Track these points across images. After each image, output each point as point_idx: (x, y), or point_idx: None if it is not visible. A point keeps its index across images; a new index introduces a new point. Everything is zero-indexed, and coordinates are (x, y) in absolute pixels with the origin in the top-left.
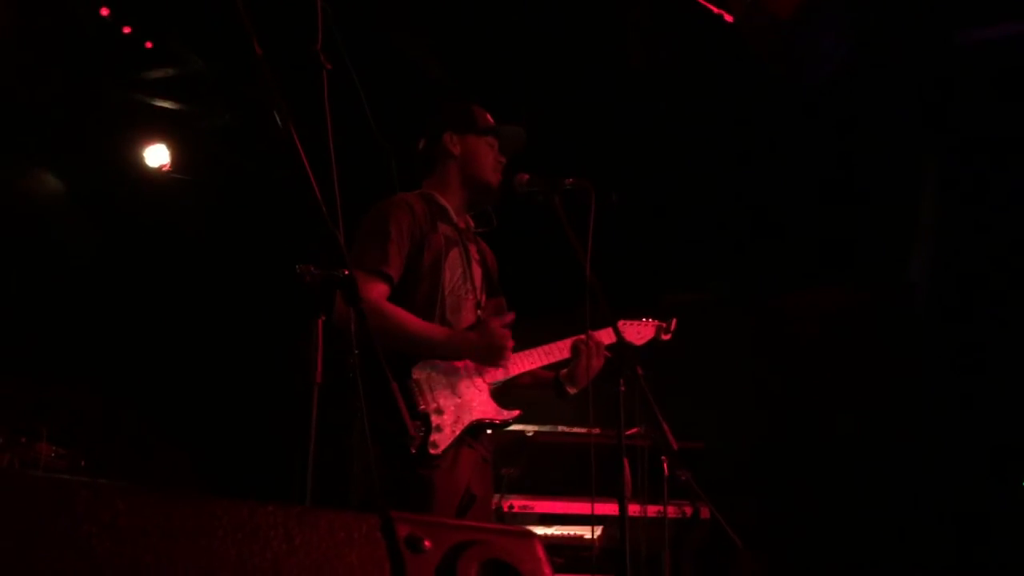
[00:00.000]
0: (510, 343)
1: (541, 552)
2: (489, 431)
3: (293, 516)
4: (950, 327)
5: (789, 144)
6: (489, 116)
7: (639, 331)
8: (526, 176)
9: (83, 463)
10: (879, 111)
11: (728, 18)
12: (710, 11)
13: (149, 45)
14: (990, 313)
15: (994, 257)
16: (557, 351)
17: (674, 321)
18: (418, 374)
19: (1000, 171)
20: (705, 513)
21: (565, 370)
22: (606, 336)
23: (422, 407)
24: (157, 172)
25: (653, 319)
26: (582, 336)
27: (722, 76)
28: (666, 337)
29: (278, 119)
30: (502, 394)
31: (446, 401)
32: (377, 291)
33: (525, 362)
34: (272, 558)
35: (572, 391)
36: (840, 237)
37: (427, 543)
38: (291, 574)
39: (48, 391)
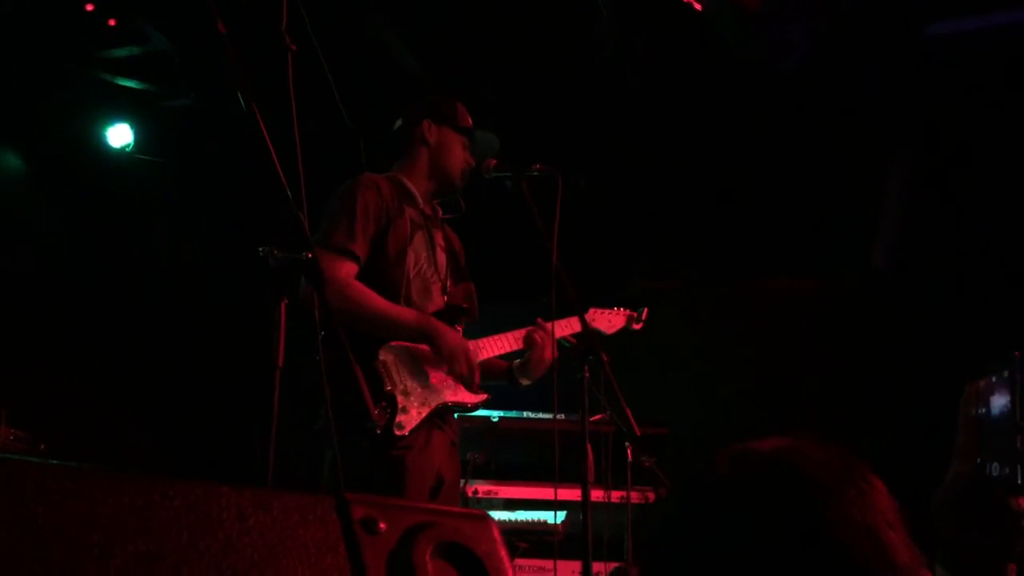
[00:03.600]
0: (469, 367)
1: (497, 534)
2: (456, 414)
3: (247, 497)
4: (915, 315)
5: (757, 131)
6: (469, 118)
7: (610, 320)
8: (494, 161)
9: (43, 447)
10: (848, 99)
11: (697, 6)
12: None
13: (112, 23)
14: (955, 301)
15: (959, 245)
16: (515, 340)
17: (645, 311)
18: (385, 355)
19: (966, 161)
20: None
21: (519, 361)
22: (573, 324)
23: (388, 388)
24: (120, 152)
25: (624, 308)
26: (534, 327)
27: (692, 63)
28: (637, 327)
29: (242, 100)
30: None
31: (412, 383)
32: (344, 270)
33: (493, 347)
34: (224, 539)
35: (524, 382)
36: (806, 224)
37: (382, 525)
38: (243, 555)
39: (6, 373)
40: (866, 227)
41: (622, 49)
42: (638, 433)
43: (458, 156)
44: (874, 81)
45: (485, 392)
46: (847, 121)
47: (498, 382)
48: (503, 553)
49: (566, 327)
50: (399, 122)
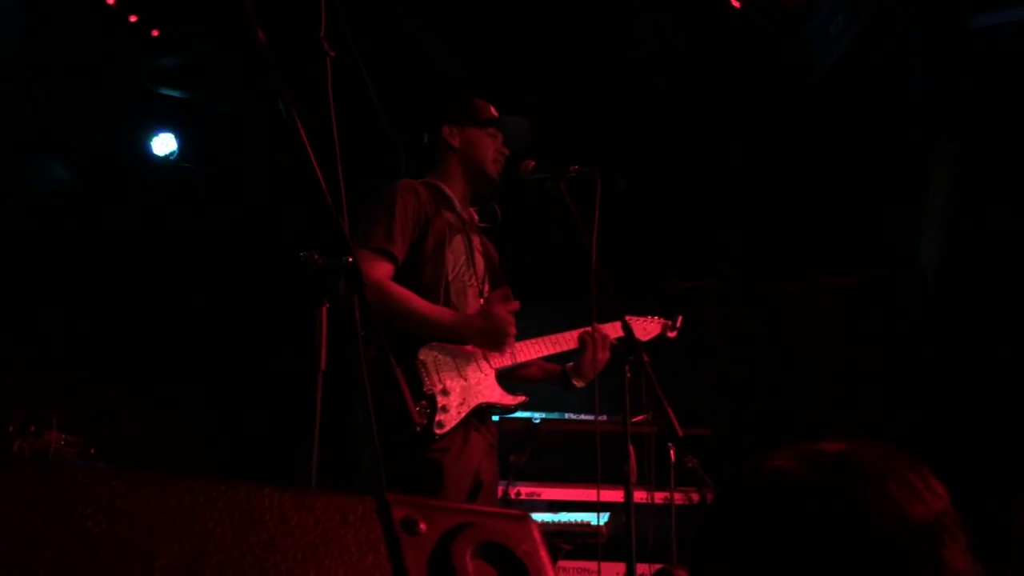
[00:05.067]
0: (513, 329)
1: (537, 534)
2: (495, 416)
3: (289, 498)
4: (960, 312)
5: (799, 128)
6: (492, 108)
7: (645, 327)
8: (532, 163)
9: (93, 451)
10: (891, 92)
11: (735, 3)
12: None
13: (155, 33)
14: (1000, 298)
15: (1005, 242)
16: (564, 342)
17: (680, 318)
18: (424, 355)
19: (1013, 154)
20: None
21: (571, 363)
22: (613, 330)
23: (428, 388)
24: (165, 160)
25: (659, 317)
26: (589, 328)
27: (730, 60)
28: (672, 335)
29: (281, 106)
30: (507, 380)
31: (452, 383)
32: (382, 270)
33: (531, 350)
34: (267, 539)
35: (578, 384)
36: (849, 220)
37: (422, 525)
38: (287, 555)
39: (58, 380)
40: (910, 222)
41: (659, 48)
42: (680, 434)
43: (488, 149)
44: (918, 74)
45: (523, 395)
46: (891, 114)
47: (551, 385)
48: (544, 553)
49: (610, 332)
50: (425, 135)
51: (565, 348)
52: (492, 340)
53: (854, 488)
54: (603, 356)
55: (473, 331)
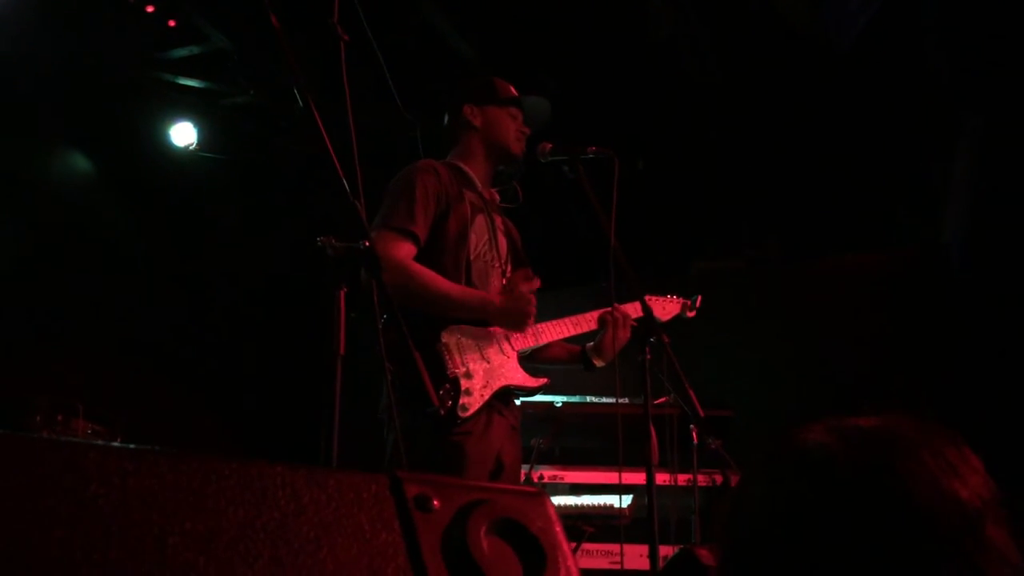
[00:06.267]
0: (534, 309)
1: (552, 511)
2: (518, 399)
3: (301, 476)
4: (985, 289)
5: (820, 105)
6: (512, 88)
7: (664, 307)
8: (549, 145)
9: (119, 440)
10: (915, 67)
11: None
12: None
13: (172, 24)
14: None
15: None
16: (584, 322)
17: (699, 298)
18: (447, 338)
19: None
20: (735, 482)
21: (592, 343)
22: (632, 310)
23: (451, 371)
24: (184, 151)
25: (678, 296)
26: (609, 308)
27: (751, 39)
28: (691, 314)
29: (298, 94)
30: (528, 361)
31: (475, 365)
32: (404, 250)
33: (553, 331)
34: (280, 517)
35: (599, 363)
36: (872, 198)
37: (436, 502)
38: (299, 532)
39: (84, 369)
40: (935, 199)
41: (678, 29)
42: (702, 415)
43: (509, 128)
44: (941, 48)
45: (545, 377)
46: (915, 90)
47: (571, 366)
48: (558, 529)
49: (629, 312)
50: (445, 116)
51: (586, 329)
52: (514, 320)
53: (892, 462)
54: (623, 335)
55: (495, 311)
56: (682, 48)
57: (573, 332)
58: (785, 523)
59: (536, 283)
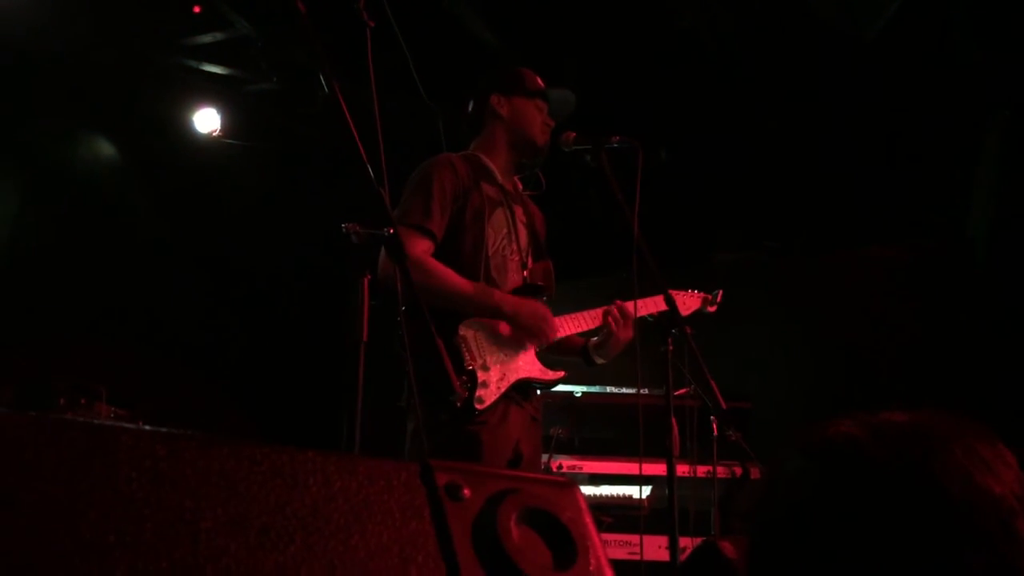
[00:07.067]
0: (554, 333)
1: (582, 500)
2: (537, 391)
3: (332, 462)
4: (1010, 283)
5: (846, 99)
6: (539, 79)
7: (684, 301)
8: (572, 134)
9: (142, 423)
10: (941, 60)
11: None
12: None
13: (197, 10)
14: None
15: None
16: (591, 319)
17: (720, 293)
18: (465, 331)
19: None
20: (755, 473)
21: (595, 339)
22: (655, 304)
23: (468, 364)
24: (207, 137)
25: (699, 291)
26: (612, 306)
27: (775, 29)
28: (712, 309)
29: (323, 80)
30: (544, 354)
31: (492, 358)
32: (421, 247)
33: (570, 326)
34: (311, 504)
35: (599, 361)
36: (897, 190)
37: (466, 491)
38: (329, 518)
39: (108, 353)
40: (960, 193)
41: (702, 17)
42: (723, 406)
43: (535, 120)
44: (968, 41)
45: (562, 369)
46: (941, 83)
47: (571, 359)
48: (588, 519)
49: (643, 307)
50: (469, 104)
51: (591, 327)
52: (530, 335)
53: (925, 457)
54: (625, 335)
55: (513, 314)
56: (705, 37)
57: (587, 327)
58: (814, 517)
59: (551, 291)
